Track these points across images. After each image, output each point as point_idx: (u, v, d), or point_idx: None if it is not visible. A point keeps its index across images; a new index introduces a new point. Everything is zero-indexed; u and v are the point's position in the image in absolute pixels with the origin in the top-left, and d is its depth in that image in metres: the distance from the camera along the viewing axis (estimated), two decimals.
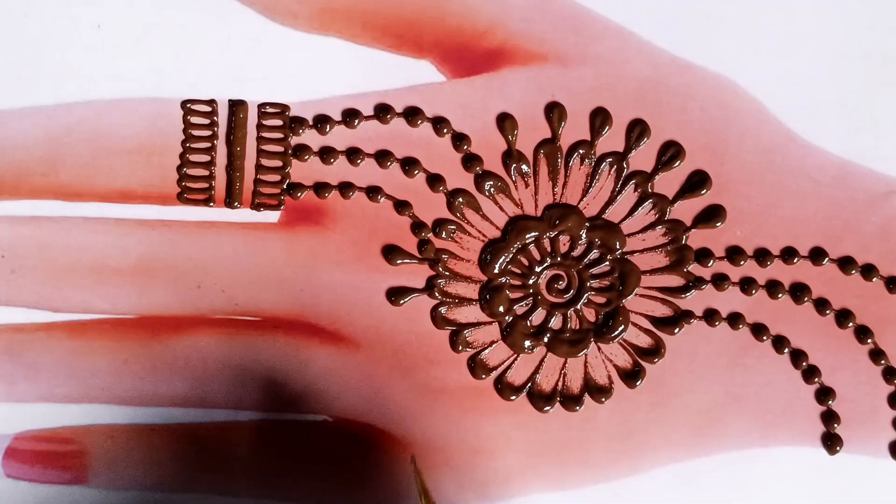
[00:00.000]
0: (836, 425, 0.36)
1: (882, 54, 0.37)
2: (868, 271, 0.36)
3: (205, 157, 0.36)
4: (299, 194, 0.36)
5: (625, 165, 0.37)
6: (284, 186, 0.36)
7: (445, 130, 0.36)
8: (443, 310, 0.36)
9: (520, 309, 0.36)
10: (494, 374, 0.36)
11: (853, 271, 0.36)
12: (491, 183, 0.36)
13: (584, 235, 0.36)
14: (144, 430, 0.36)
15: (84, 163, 0.36)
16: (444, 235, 0.36)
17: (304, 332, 0.36)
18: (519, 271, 0.36)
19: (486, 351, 0.36)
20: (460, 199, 0.36)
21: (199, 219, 0.36)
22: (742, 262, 0.36)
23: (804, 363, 0.36)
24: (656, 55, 0.37)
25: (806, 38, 0.37)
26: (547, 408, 0.36)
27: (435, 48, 0.37)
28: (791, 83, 0.37)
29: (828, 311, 0.36)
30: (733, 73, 0.37)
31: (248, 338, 0.36)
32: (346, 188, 0.36)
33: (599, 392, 0.36)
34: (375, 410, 0.36)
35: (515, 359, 0.36)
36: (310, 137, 0.37)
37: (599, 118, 0.36)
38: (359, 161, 0.36)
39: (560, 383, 0.36)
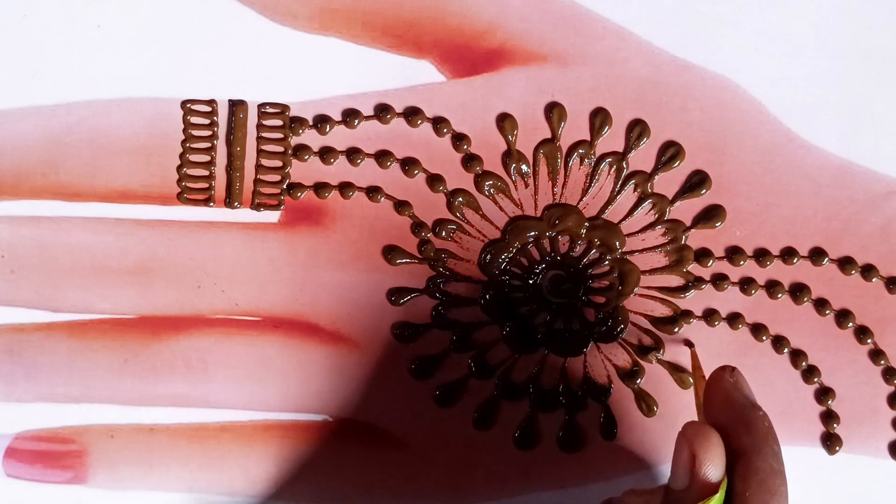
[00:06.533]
0: (835, 425, 0.36)
1: (882, 54, 0.37)
2: (868, 271, 0.36)
3: (205, 157, 0.36)
4: (299, 194, 0.36)
5: (624, 165, 0.37)
6: (284, 186, 0.36)
7: (445, 130, 0.36)
8: (442, 310, 0.36)
9: (520, 309, 0.36)
10: (495, 374, 0.36)
11: (853, 271, 0.36)
12: (491, 183, 0.36)
13: (583, 235, 0.36)
14: (144, 430, 0.36)
15: (84, 163, 0.36)
16: (444, 235, 0.36)
17: (304, 332, 0.36)
18: (519, 271, 0.36)
19: (487, 351, 0.36)
20: (460, 199, 0.36)
21: (199, 219, 0.36)
22: (742, 262, 0.36)
23: (804, 363, 0.36)
24: (656, 55, 0.37)
25: (806, 38, 0.37)
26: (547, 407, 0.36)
27: (435, 48, 0.37)
28: (791, 83, 0.37)
29: (827, 311, 0.36)
30: (733, 73, 0.37)
31: (248, 338, 0.36)
32: (346, 188, 0.36)
33: (599, 391, 0.36)
34: (375, 410, 0.36)
35: (516, 359, 0.36)
36: (310, 137, 0.37)
37: (599, 118, 0.36)
38: (359, 161, 0.36)
39: (560, 383, 0.36)
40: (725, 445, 0.29)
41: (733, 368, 0.31)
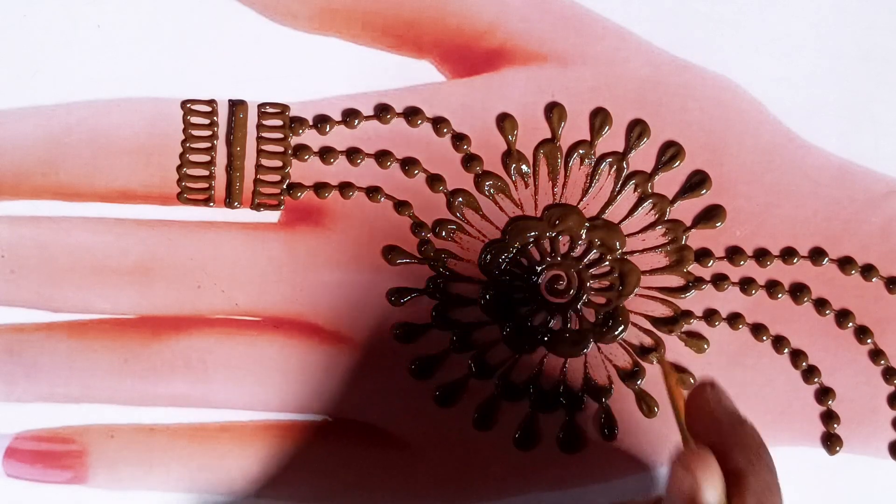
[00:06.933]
0: (835, 425, 0.36)
1: (882, 54, 0.37)
2: (868, 271, 0.36)
3: (205, 157, 0.36)
4: (299, 194, 0.36)
5: (625, 165, 0.37)
6: (284, 186, 0.36)
7: (445, 130, 0.36)
8: (443, 310, 0.36)
9: (520, 309, 0.36)
10: (495, 374, 0.36)
11: (853, 271, 0.36)
12: (491, 183, 0.36)
13: (583, 235, 0.36)
14: (144, 430, 0.36)
15: (84, 163, 0.36)
16: (444, 235, 0.36)
17: (304, 332, 0.36)
18: (519, 271, 0.36)
19: (487, 351, 0.36)
20: (460, 199, 0.36)
21: (199, 219, 0.36)
22: (742, 262, 0.36)
23: (804, 363, 0.36)
24: (656, 55, 0.37)
25: (806, 38, 0.37)
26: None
27: (435, 48, 0.37)
28: (791, 83, 0.37)
29: (828, 311, 0.36)
30: (733, 73, 0.37)
31: (248, 338, 0.36)
32: (346, 188, 0.36)
33: (599, 392, 0.36)
34: (375, 410, 0.36)
35: (517, 359, 0.36)
36: (310, 137, 0.37)
37: (599, 118, 0.36)
38: (359, 161, 0.36)
39: (560, 383, 0.36)
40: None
41: (712, 383, 0.30)
